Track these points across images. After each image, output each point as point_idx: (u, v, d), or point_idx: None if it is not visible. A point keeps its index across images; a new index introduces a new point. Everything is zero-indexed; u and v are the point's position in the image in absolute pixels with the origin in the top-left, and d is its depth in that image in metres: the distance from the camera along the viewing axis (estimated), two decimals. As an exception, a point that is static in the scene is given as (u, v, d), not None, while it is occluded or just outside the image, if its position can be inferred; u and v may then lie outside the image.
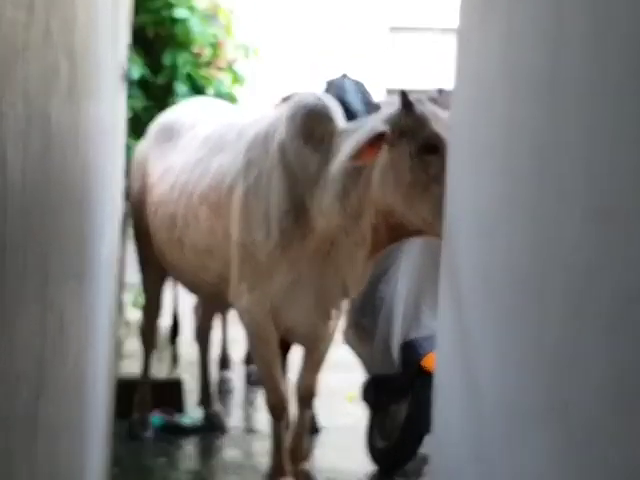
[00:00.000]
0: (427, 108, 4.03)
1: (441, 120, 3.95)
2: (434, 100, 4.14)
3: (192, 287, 5.23)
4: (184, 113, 5.38)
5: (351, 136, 4.09)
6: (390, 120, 3.99)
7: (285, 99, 5.03)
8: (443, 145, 3.76)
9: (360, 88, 5.16)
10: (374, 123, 4.04)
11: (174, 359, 5.96)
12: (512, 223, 2.01)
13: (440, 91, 4.35)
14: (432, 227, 3.78)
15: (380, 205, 4.04)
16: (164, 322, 6.18)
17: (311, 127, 4.30)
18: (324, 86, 5.16)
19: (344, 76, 5.28)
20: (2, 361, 1.27)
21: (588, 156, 1.53)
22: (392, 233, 4.15)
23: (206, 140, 4.87)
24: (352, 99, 4.89)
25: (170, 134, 5.22)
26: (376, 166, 4.03)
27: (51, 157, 1.68)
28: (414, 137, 3.93)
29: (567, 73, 1.65)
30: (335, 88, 5.08)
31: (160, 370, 6.12)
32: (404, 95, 4.00)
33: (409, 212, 3.95)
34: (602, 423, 1.41)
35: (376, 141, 3.93)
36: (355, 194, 4.11)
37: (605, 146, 1.45)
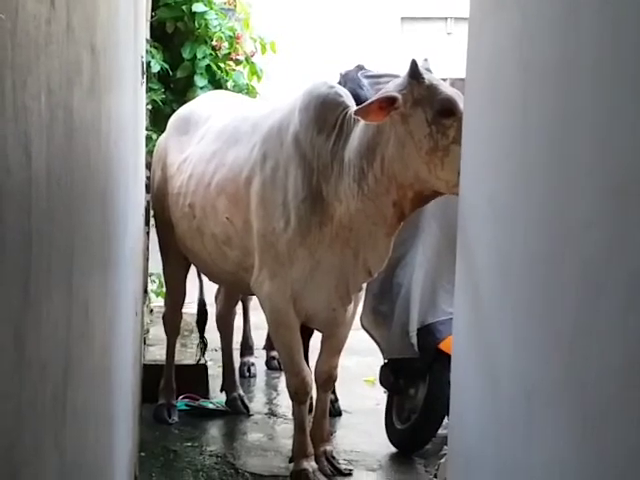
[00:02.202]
0: (432, 76, 4.10)
1: (446, 85, 4.05)
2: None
3: (213, 275, 5.30)
4: (201, 106, 5.45)
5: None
6: (402, 89, 4.03)
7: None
8: (457, 107, 3.84)
9: (374, 79, 5.16)
10: (386, 91, 4.10)
11: (203, 346, 6.02)
12: (525, 207, 2.03)
13: (453, 81, 4.38)
14: (456, 188, 3.80)
15: (402, 178, 4.08)
16: (189, 310, 6.24)
17: (324, 116, 4.34)
18: (338, 78, 5.18)
19: (359, 67, 5.29)
20: (30, 349, 1.32)
21: (599, 136, 1.54)
22: (413, 204, 4.20)
23: (221, 132, 4.92)
24: (366, 91, 4.90)
25: (187, 126, 5.28)
26: (390, 142, 4.07)
27: (74, 149, 1.73)
28: (429, 104, 3.98)
29: (580, 57, 1.66)
30: (349, 80, 5.10)
31: (185, 357, 6.19)
32: (414, 64, 4.04)
33: (434, 178, 3.99)
34: (618, 404, 1.42)
35: (386, 104, 3.98)
36: (372, 174, 4.14)
37: (615, 127, 1.47)
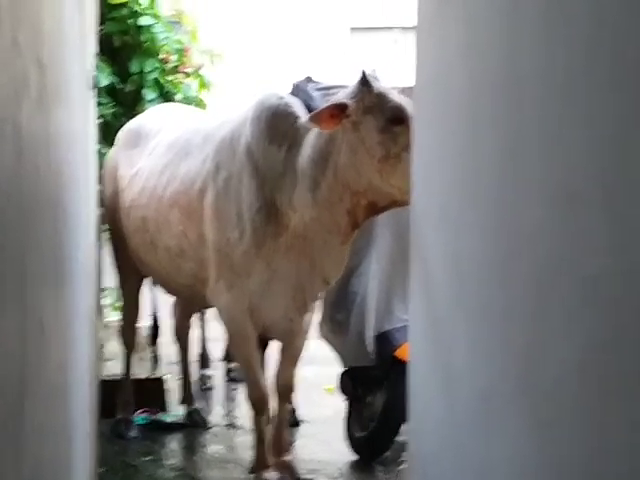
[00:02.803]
0: (381, 84, 4.13)
1: (395, 93, 4.09)
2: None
3: (168, 288, 5.28)
4: (150, 119, 5.44)
5: None
6: (352, 97, 4.06)
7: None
8: (407, 115, 3.88)
9: (324, 90, 5.18)
10: (336, 99, 4.12)
11: (155, 359, 5.99)
12: (476, 212, 2.04)
13: (402, 89, 4.41)
14: (408, 196, 3.81)
15: (356, 186, 4.10)
16: (144, 323, 6.21)
17: (275, 126, 4.35)
18: (290, 89, 5.19)
19: (308, 79, 5.30)
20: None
21: (548, 143, 1.55)
22: (366, 212, 4.22)
23: (172, 145, 4.91)
24: (315, 102, 4.92)
25: (137, 140, 5.27)
26: (342, 150, 4.09)
27: (24, 164, 1.72)
28: (380, 111, 4.01)
29: (527, 65, 1.67)
30: (300, 91, 5.11)
31: (142, 370, 6.15)
32: (364, 74, 4.08)
33: (386, 185, 4.02)
34: (570, 407, 1.44)
35: (337, 111, 4.00)
36: (325, 183, 4.16)
37: (564, 132, 1.48)
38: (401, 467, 3.92)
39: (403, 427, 4.77)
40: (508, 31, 1.79)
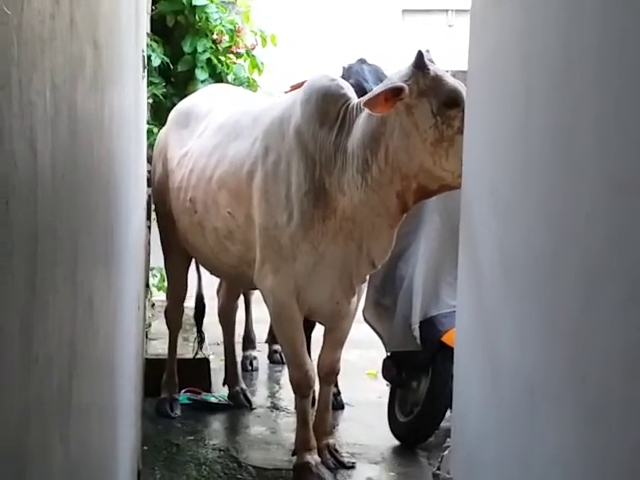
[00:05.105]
0: (436, 67, 4.11)
1: (449, 76, 4.06)
2: None
3: (214, 270, 5.29)
4: (201, 100, 5.44)
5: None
6: (407, 80, 4.03)
7: (293, 87, 5.06)
8: (462, 97, 3.85)
9: (378, 72, 5.17)
10: (390, 81, 4.10)
11: (200, 340, 6.02)
12: (527, 200, 2.03)
13: (455, 73, 4.38)
14: (460, 179, 3.79)
15: (407, 169, 4.08)
16: (191, 304, 6.25)
17: (326, 108, 4.33)
18: (341, 72, 5.17)
19: (361, 61, 5.28)
20: (36, 343, 1.32)
21: (602, 132, 1.55)
22: (416, 196, 4.21)
23: (222, 126, 4.91)
24: (370, 84, 4.90)
25: (188, 120, 5.28)
26: (394, 133, 4.07)
27: (78, 143, 1.73)
28: (435, 95, 3.98)
29: (582, 50, 1.66)
30: (353, 73, 5.09)
31: (187, 351, 6.19)
32: (420, 55, 4.04)
33: (438, 169, 4.00)
34: (620, 397, 1.43)
35: (392, 95, 3.98)
36: (376, 165, 4.14)
37: (619, 121, 1.47)
38: (444, 453, 3.90)
39: (447, 413, 4.76)
40: (564, 15, 1.78)
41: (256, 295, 5.68)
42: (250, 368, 6.81)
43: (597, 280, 1.54)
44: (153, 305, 7.56)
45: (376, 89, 4.15)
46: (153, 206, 5.92)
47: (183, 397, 5.79)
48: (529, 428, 1.95)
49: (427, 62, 4.05)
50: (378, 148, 4.13)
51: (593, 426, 1.55)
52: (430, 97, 3.98)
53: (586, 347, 1.59)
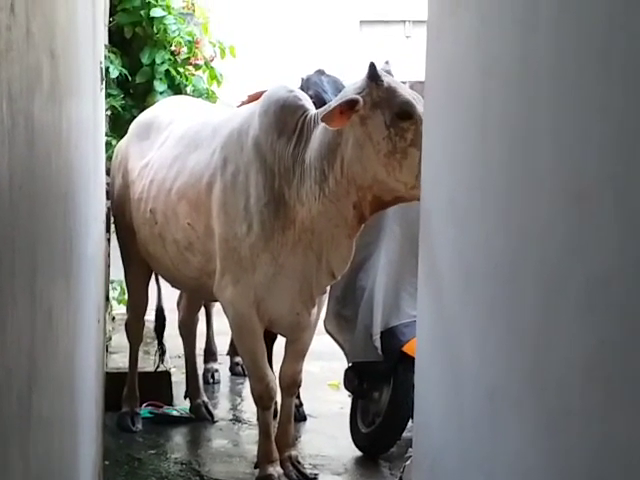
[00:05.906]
0: (391, 78, 4.12)
1: (404, 87, 4.09)
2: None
3: (175, 281, 5.27)
4: (162, 111, 5.44)
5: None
6: (361, 92, 4.05)
7: (251, 97, 5.07)
8: (416, 110, 3.89)
9: (336, 83, 5.18)
10: (345, 94, 4.12)
11: (162, 353, 5.99)
12: (485, 209, 2.04)
13: (413, 84, 4.41)
14: (414, 191, 3.81)
15: (362, 180, 4.10)
16: (151, 317, 6.22)
17: (284, 120, 4.34)
18: (300, 83, 5.18)
19: (320, 72, 5.28)
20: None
21: (559, 141, 1.56)
22: (372, 207, 4.22)
23: (182, 137, 4.91)
24: (330, 95, 4.91)
25: (148, 132, 5.27)
26: (349, 144, 4.08)
27: (36, 155, 1.72)
28: (388, 106, 4.00)
29: (538, 60, 1.67)
30: (312, 84, 5.10)
31: (148, 364, 6.16)
32: (372, 67, 4.06)
33: (392, 180, 4.02)
34: (580, 402, 1.44)
35: (347, 108, 3.99)
36: (332, 176, 4.16)
37: (576, 130, 1.48)
38: (406, 463, 3.91)
39: (409, 423, 4.77)
40: (520, 25, 1.79)
41: (217, 307, 5.66)
42: (212, 381, 6.78)
43: (556, 287, 1.55)
44: (113, 318, 7.51)
45: (331, 103, 4.17)
46: (112, 218, 5.89)
47: (144, 411, 5.75)
48: (490, 435, 1.96)
49: (381, 73, 4.08)
50: (334, 159, 4.14)
51: (553, 432, 1.56)
52: (383, 109, 4.00)
53: (546, 353, 1.59)
